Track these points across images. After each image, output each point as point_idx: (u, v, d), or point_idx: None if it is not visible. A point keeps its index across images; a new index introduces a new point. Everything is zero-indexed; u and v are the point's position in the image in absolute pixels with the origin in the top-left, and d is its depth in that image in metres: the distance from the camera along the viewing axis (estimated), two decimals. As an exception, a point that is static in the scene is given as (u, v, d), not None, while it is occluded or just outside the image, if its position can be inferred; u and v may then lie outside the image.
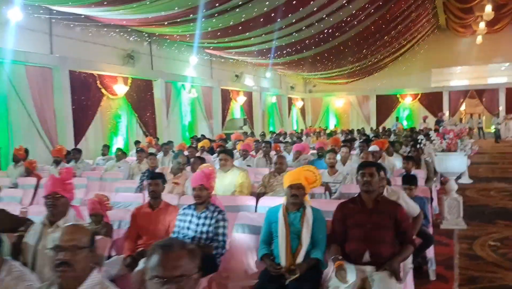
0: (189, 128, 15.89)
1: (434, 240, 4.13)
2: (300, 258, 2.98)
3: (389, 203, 3.10)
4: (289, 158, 7.39)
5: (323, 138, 12.41)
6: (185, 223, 3.52)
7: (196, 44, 13.80)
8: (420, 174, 5.76)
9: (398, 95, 25.24)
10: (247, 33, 12.14)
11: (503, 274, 4.20)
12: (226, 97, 18.06)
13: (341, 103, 27.16)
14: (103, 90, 11.65)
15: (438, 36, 24.32)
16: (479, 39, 22.27)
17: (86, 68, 11.15)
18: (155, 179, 3.97)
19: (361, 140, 7.81)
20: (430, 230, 4.27)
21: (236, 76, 18.85)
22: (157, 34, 12.77)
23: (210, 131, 16.65)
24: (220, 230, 3.42)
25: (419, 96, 24.89)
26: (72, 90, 10.41)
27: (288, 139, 13.07)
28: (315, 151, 7.36)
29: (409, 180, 4.26)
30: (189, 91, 15.59)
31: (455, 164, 5.51)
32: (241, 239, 3.51)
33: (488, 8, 16.50)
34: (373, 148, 6.25)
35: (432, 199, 5.08)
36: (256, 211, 4.16)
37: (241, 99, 19.22)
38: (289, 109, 24.97)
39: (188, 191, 4.81)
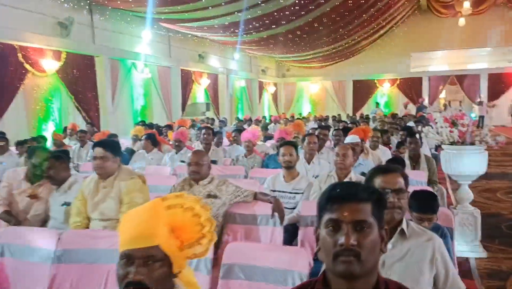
0: (141, 113, 13.89)
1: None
2: None
3: None
4: (242, 150, 5.59)
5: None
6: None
7: (149, 16, 11.82)
8: (420, 177, 4.07)
9: (375, 81, 23.82)
10: (203, 0, 10.20)
11: None
12: (187, 79, 16.11)
13: (316, 88, 25.57)
14: (26, 66, 9.56)
15: (418, 18, 22.87)
16: (461, 21, 20.87)
17: (2, 38, 9.05)
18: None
19: (336, 128, 5.99)
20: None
21: (200, 56, 16.88)
22: (99, 0, 10.70)
23: (168, 117, 14.71)
24: None
25: (397, 82, 23.54)
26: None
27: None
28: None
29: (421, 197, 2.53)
30: (141, 71, 13.56)
31: (473, 162, 3.81)
32: None
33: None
34: (351, 138, 4.53)
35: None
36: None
37: (205, 82, 17.29)
38: (260, 94, 23.18)
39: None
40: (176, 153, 5.49)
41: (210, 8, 10.83)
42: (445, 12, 21.93)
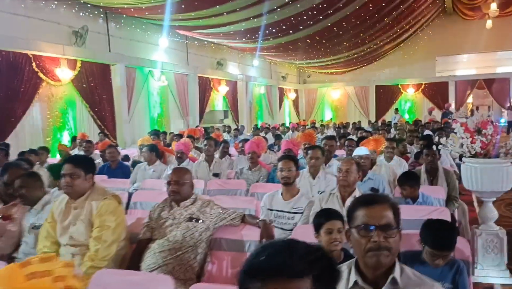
0: (158, 121, 13.77)
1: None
2: None
3: None
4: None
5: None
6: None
7: (164, 23, 11.71)
8: (438, 194, 3.68)
9: (399, 86, 23.15)
10: (217, 6, 10.01)
11: None
12: (205, 87, 15.95)
13: (338, 94, 25.07)
14: (40, 75, 9.55)
15: (443, 21, 22.16)
16: (489, 23, 20.12)
17: (16, 47, 9.06)
18: None
19: (347, 138, 5.44)
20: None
21: (218, 63, 16.72)
22: (113, 8, 10.65)
23: (185, 125, 14.56)
24: None
25: (422, 87, 22.79)
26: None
27: (269, 135, 10.94)
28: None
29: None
30: (158, 78, 13.47)
31: (497, 177, 3.39)
32: None
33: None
34: (359, 150, 4.15)
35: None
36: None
37: (224, 89, 17.10)
38: (281, 101, 22.87)
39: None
40: (178, 165, 5.23)
41: (225, 14, 10.63)
42: (471, 14, 21.21)
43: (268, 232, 2.72)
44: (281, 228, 3.21)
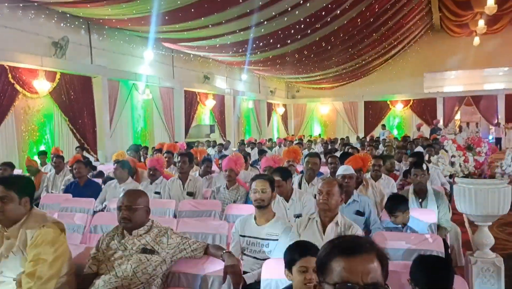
0: (142, 135, 13.40)
1: None
2: None
3: None
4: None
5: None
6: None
7: (149, 35, 11.43)
8: (429, 218, 3.38)
9: (388, 102, 23.10)
10: (202, 19, 9.77)
11: None
12: (191, 101, 15.66)
13: (327, 110, 24.96)
14: (16, 86, 9.17)
15: (431, 38, 22.27)
16: (476, 40, 20.23)
17: (-9, 58, 8.70)
18: None
19: (330, 155, 5.09)
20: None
21: (205, 77, 16.46)
22: (94, 19, 10.35)
23: (170, 140, 14.19)
24: None
25: (410, 103, 22.80)
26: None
27: (254, 150, 10.62)
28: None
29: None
30: (143, 91, 13.15)
31: (493, 200, 3.10)
32: None
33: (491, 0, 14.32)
34: (344, 168, 3.82)
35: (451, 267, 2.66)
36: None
37: (211, 103, 16.81)
38: (269, 116, 22.65)
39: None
40: (151, 183, 4.86)
41: (210, 26, 10.39)
42: (459, 31, 21.32)
43: (234, 269, 2.30)
44: (254, 257, 2.85)
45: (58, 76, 10.19)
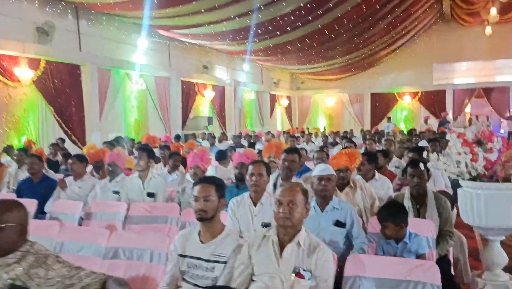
0: (135, 127, 12.86)
1: None
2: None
3: None
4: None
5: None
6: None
7: (140, 21, 10.85)
8: (428, 230, 2.76)
9: (395, 94, 22.34)
10: (194, 3, 9.15)
11: None
12: (189, 91, 15.07)
13: (332, 102, 24.24)
14: (-4, 75, 8.67)
15: (441, 27, 21.43)
16: (488, 30, 19.35)
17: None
18: None
19: (317, 149, 4.42)
20: None
21: (204, 67, 15.85)
22: (77, 2, 9.76)
23: (167, 131, 13.64)
24: None
25: (419, 95, 22.01)
26: None
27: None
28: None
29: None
30: (136, 81, 12.59)
31: (508, 208, 2.48)
32: None
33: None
34: (321, 168, 3.08)
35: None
36: None
37: (210, 94, 16.21)
38: (272, 108, 22.00)
39: None
40: (110, 181, 4.29)
41: (203, 11, 9.77)
42: (470, 20, 20.44)
43: None
44: (195, 285, 2.25)
45: (43, 64, 9.66)
